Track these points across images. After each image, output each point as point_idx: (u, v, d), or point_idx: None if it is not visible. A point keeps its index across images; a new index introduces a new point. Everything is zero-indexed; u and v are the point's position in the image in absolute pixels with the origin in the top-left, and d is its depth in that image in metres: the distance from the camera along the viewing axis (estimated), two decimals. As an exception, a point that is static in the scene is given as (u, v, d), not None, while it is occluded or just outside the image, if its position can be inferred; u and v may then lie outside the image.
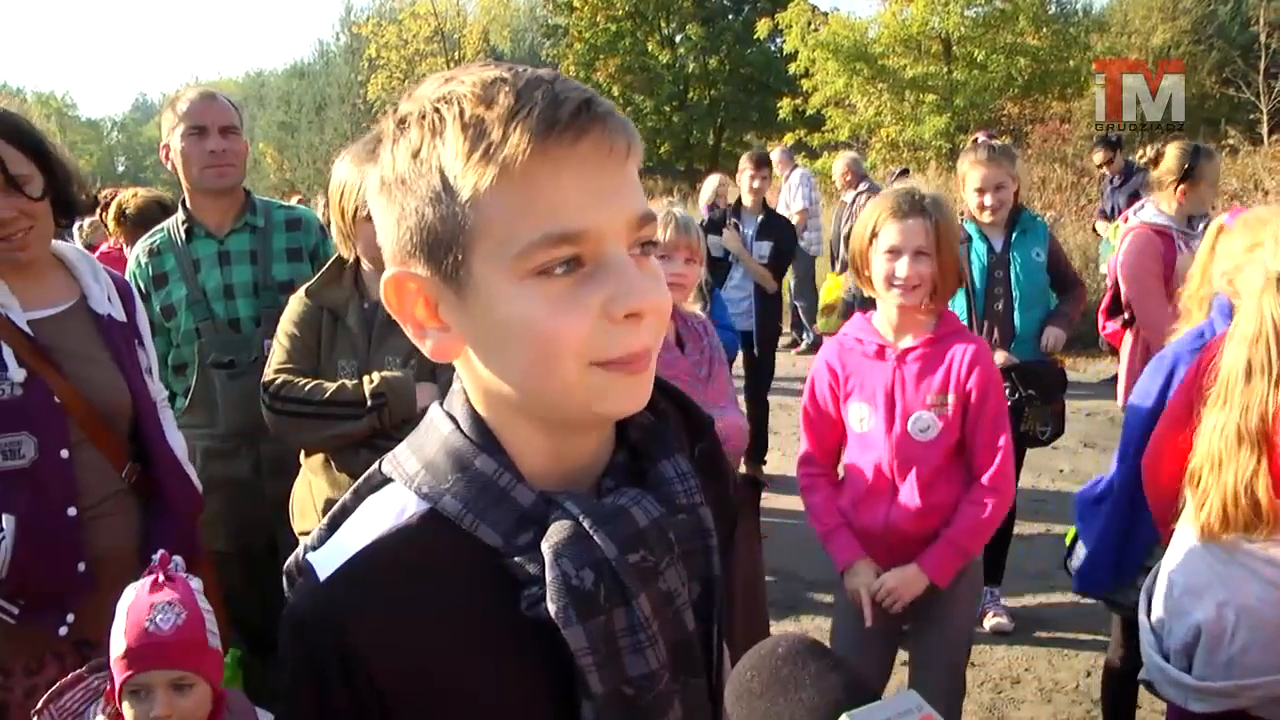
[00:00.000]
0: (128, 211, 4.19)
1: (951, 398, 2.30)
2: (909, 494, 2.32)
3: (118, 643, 1.71)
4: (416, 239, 0.77)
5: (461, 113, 0.74)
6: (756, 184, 5.98)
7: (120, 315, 2.16)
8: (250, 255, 2.82)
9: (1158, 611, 2.10)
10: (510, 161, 0.72)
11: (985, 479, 2.31)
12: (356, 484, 0.89)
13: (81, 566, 1.97)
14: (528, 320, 0.74)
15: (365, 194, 2.20)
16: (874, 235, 2.32)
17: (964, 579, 2.39)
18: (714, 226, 5.86)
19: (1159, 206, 3.85)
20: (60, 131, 54.09)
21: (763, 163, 6.09)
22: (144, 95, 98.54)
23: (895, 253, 2.28)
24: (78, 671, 1.81)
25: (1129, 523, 2.46)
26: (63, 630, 1.96)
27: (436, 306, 0.80)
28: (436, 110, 0.75)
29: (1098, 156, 8.27)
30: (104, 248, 5.37)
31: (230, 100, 2.88)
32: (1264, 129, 16.18)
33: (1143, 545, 2.48)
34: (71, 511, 1.95)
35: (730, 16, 28.01)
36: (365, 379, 2.22)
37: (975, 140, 3.91)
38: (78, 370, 2.00)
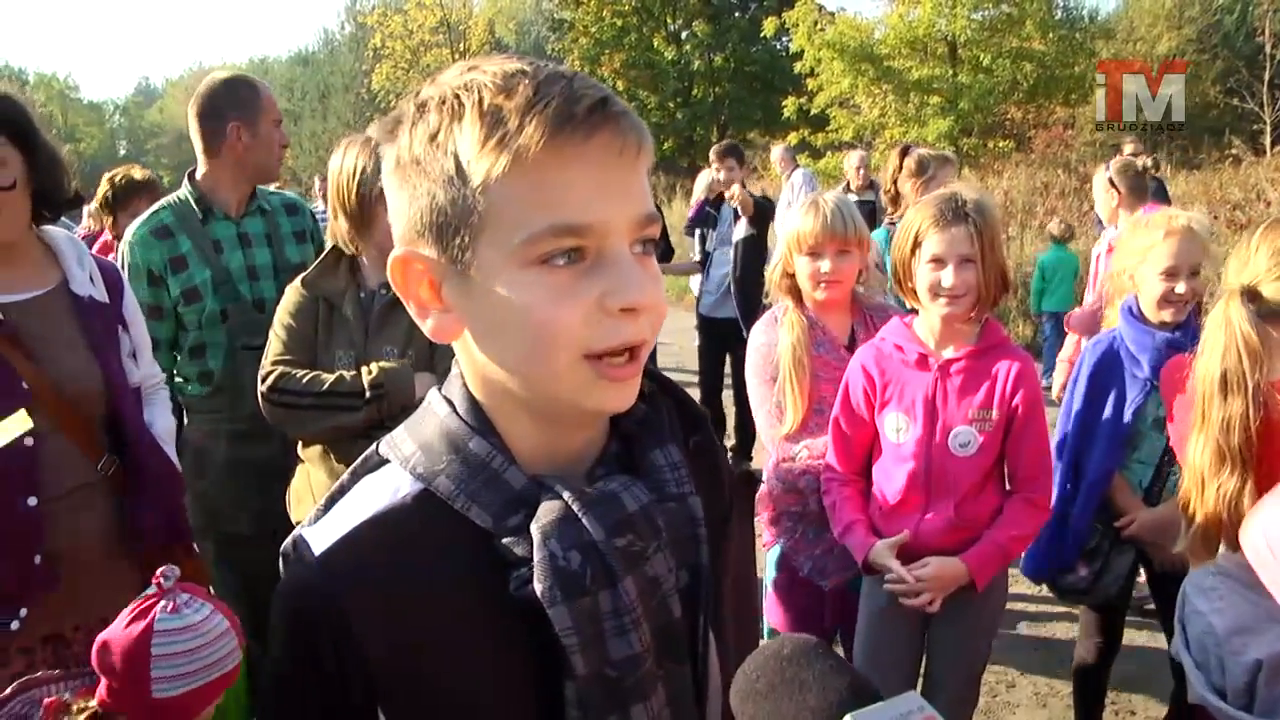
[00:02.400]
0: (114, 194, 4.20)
1: (994, 413, 2.23)
2: (942, 508, 2.25)
3: None
4: (427, 219, 0.78)
5: (481, 100, 0.75)
6: (722, 175, 5.93)
7: (102, 297, 2.10)
8: (266, 238, 2.83)
9: (1204, 651, 2.00)
10: (523, 151, 0.73)
11: (1034, 496, 2.27)
12: (354, 464, 0.91)
13: (37, 559, 1.87)
14: (525, 307, 0.76)
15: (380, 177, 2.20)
16: (917, 244, 2.26)
17: (994, 588, 2.36)
18: (706, 222, 6.06)
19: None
20: (62, 114, 54.07)
21: (727, 154, 6.01)
22: (146, 79, 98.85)
23: (939, 262, 2.22)
24: (6, 691, 1.68)
25: (1063, 510, 2.55)
26: (14, 625, 1.85)
27: (440, 288, 0.81)
28: (457, 96, 0.76)
29: (1128, 148, 8.16)
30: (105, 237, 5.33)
31: None
32: (1267, 139, 16.21)
33: (1079, 532, 2.59)
34: (31, 501, 1.86)
35: (737, 14, 28.01)
36: (364, 370, 2.20)
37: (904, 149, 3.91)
38: (49, 355, 1.94)
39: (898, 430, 2.31)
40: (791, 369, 2.52)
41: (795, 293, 2.61)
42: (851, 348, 2.57)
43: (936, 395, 2.26)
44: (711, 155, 6.11)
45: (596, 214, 0.75)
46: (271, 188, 3.02)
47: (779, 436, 2.56)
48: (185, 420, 2.85)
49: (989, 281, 2.21)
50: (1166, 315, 2.51)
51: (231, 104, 2.75)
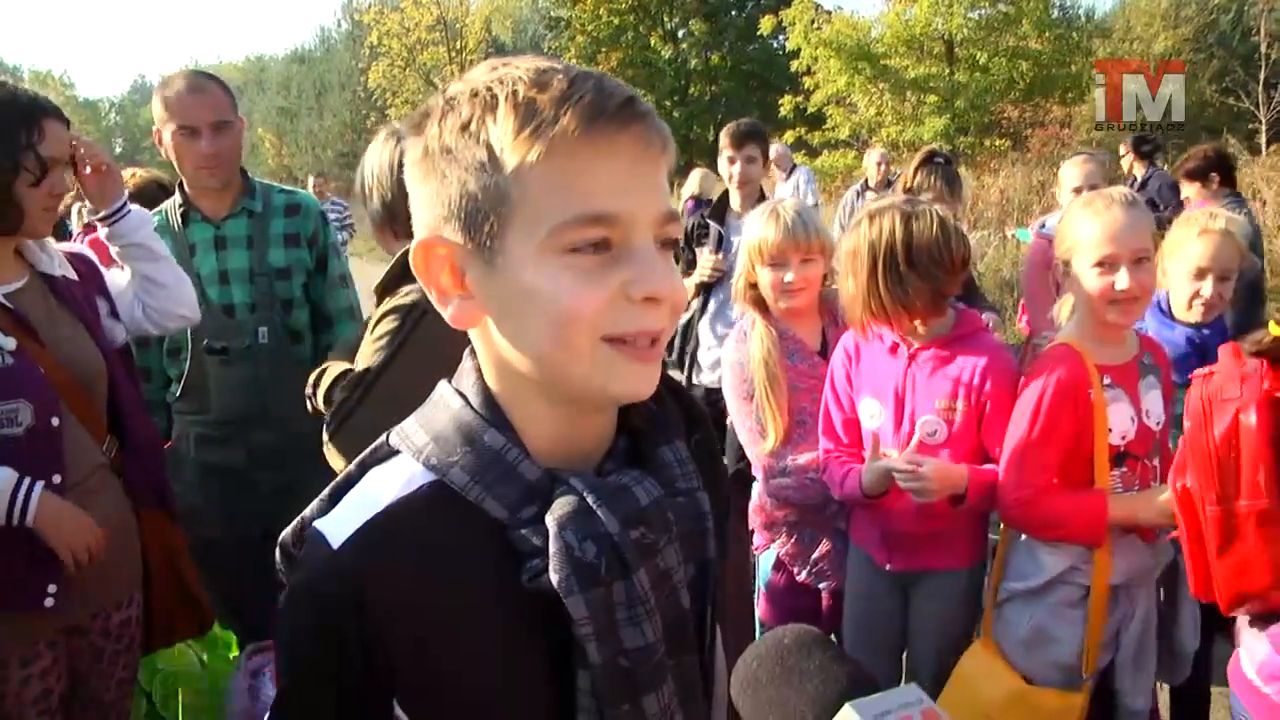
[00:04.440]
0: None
1: (961, 404, 2.23)
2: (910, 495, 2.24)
3: None
4: (455, 206, 0.80)
5: (515, 93, 0.78)
6: (738, 168, 3.96)
7: (72, 275, 2.15)
8: (246, 240, 2.76)
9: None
10: (558, 140, 0.76)
11: None
12: (361, 456, 0.91)
13: None
14: (551, 292, 0.78)
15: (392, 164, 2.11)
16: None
17: (973, 571, 2.39)
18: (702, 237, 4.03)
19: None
20: (58, 111, 53.80)
21: (748, 138, 3.99)
22: (143, 77, 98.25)
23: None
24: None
25: None
26: (49, 601, 1.90)
27: (463, 274, 0.83)
28: (490, 89, 0.79)
29: (1122, 148, 8.08)
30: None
31: (222, 85, 2.75)
32: (1263, 139, 16.24)
33: None
34: (56, 479, 1.91)
35: (733, 13, 28.04)
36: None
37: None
38: (51, 340, 1.99)
39: (871, 416, 2.34)
40: (766, 385, 2.47)
41: (761, 303, 2.55)
42: (824, 353, 2.54)
43: (906, 383, 2.28)
44: (724, 138, 4.04)
45: (624, 205, 0.78)
46: (281, 186, 2.95)
47: (764, 454, 2.51)
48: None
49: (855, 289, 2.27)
50: (1193, 315, 2.54)
51: (155, 111, 2.71)
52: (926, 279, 2.18)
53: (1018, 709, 2.16)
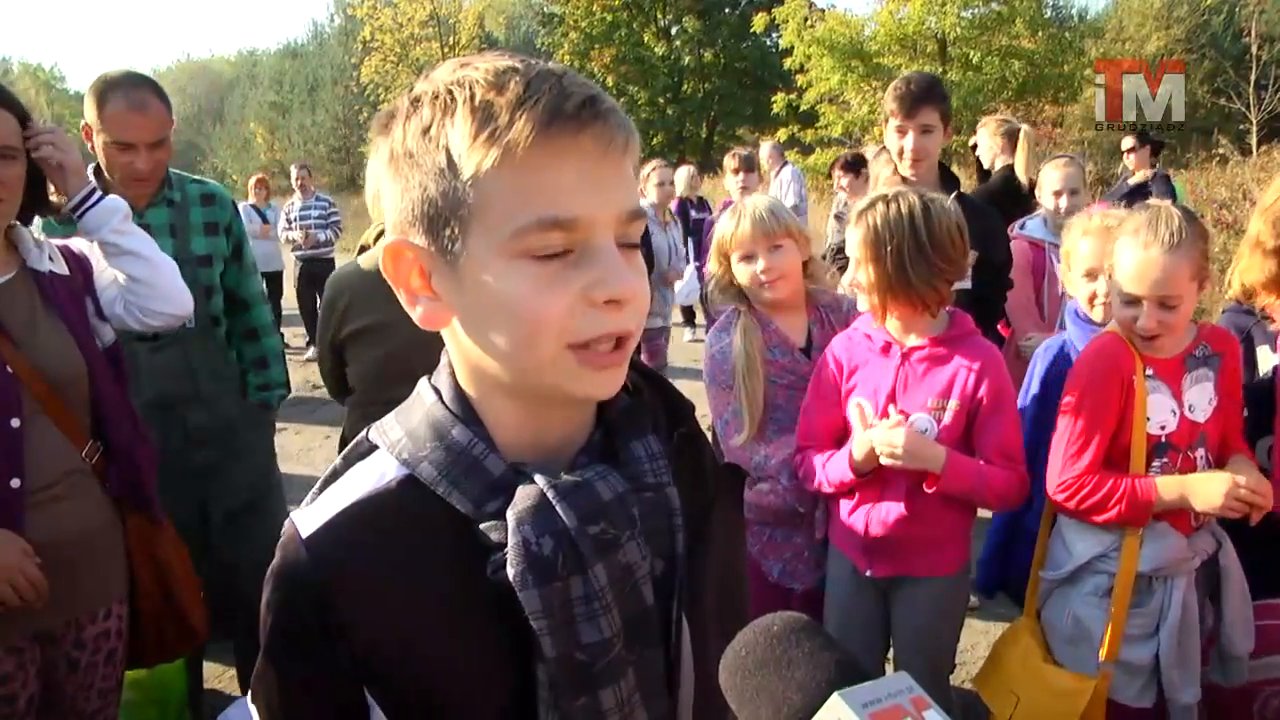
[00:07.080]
0: None
1: (954, 404, 2.21)
2: (895, 495, 2.24)
3: None
4: (418, 210, 0.80)
5: (472, 96, 0.77)
6: (910, 140, 3.04)
7: (62, 270, 2.07)
8: (169, 229, 2.72)
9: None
10: (513, 145, 0.75)
11: (1012, 468, 2.23)
12: (346, 450, 0.93)
13: None
14: (512, 297, 0.79)
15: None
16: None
17: (958, 580, 2.36)
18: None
19: (1044, 219, 3.90)
20: (47, 104, 53.61)
21: (925, 100, 3.02)
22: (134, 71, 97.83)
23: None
24: None
25: (1014, 516, 2.51)
26: None
27: (430, 276, 0.83)
28: (449, 92, 0.79)
29: (1126, 142, 8.01)
30: None
31: (161, 95, 2.63)
32: (1253, 139, 16.32)
33: (1032, 534, 2.45)
34: (14, 483, 1.83)
35: (727, 10, 28.05)
36: None
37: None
38: (28, 339, 1.91)
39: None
40: (744, 376, 2.44)
41: (743, 296, 2.53)
42: (808, 350, 2.51)
43: (897, 382, 2.26)
44: (891, 102, 3.06)
45: (583, 208, 0.77)
46: (192, 176, 2.91)
47: (736, 446, 2.47)
48: None
49: (877, 276, 2.21)
50: (1097, 315, 2.51)
51: (89, 109, 2.62)
52: (950, 265, 2.19)
53: (1034, 685, 2.22)
